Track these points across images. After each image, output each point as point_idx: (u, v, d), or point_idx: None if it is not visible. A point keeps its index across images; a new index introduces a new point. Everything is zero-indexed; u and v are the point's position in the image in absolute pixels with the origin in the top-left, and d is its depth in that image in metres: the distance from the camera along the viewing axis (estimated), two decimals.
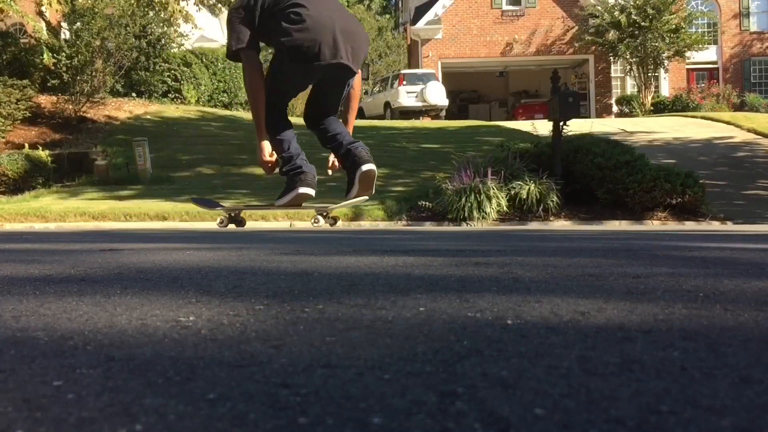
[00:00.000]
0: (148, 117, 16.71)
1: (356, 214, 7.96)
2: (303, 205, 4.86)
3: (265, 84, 4.41)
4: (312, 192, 4.61)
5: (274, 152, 4.57)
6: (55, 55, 15.43)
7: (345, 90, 4.61)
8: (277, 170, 4.68)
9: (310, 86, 4.67)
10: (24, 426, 0.58)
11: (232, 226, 5.41)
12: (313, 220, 5.18)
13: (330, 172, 4.99)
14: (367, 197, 4.71)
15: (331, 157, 4.90)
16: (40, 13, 16.42)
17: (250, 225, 7.47)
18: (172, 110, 17.56)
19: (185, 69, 19.01)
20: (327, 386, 0.70)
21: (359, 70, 4.54)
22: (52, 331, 1.00)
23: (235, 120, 17.45)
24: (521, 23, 27.76)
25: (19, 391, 0.69)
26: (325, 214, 5.16)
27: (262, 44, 4.61)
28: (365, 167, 4.46)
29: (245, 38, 4.33)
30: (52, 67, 15.13)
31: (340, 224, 7.55)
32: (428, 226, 7.61)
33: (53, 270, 1.80)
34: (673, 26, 24.19)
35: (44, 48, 15.08)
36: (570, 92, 9.72)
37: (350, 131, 4.80)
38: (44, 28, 15.99)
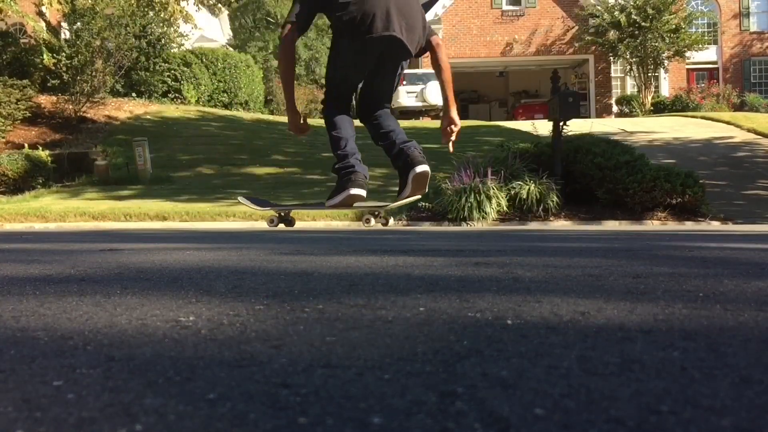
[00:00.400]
0: (148, 117, 16.71)
1: (356, 214, 7.96)
2: (355, 204, 4.76)
3: (329, 65, 4.46)
4: (363, 193, 4.51)
5: (305, 122, 4.60)
6: (55, 55, 15.44)
7: (398, 70, 4.51)
8: (306, 131, 4.66)
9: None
10: (24, 426, 0.58)
11: (281, 226, 5.42)
12: (364, 220, 5.18)
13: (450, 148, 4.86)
14: (419, 196, 4.68)
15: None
16: (40, 13, 16.42)
17: (251, 225, 7.48)
18: (172, 110, 17.56)
19: (185, 69, 19.01)
20: (327, 386, 0.70)
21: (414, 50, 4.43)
22: (52, 331, 1.00)
23: (235, 120, 17.45)
24: (521, 23, 27.76)
25: (19, 391, 0.69)
26: (377, 213, 5.15)
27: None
28: (419, 169, 4.41)
29: (300, 15, 4.30)
30: (52, 68, 15.14)
31: (340, 224, 7.55)
32: (428, 226, 7.61)
33: (53, 270, 1.80)
34: (673, 26, 24.19)
35: (44, 48, 15.09)
36: (570, 92, 9.72)
37: (453, 108, 4.73)
38: (44, 28, 15.99)
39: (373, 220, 5.03)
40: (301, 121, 4.55)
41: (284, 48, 4.39)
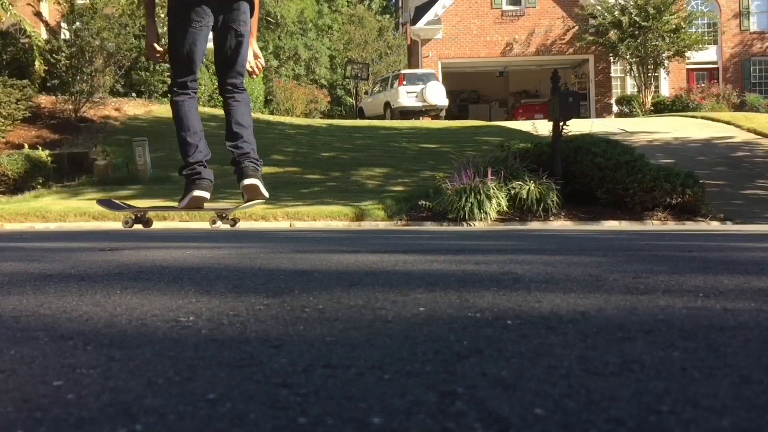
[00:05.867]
0: (148, 117, 16.71)
1: (356, 214, 7.97)
2: (205, 206, 5.13)
3: (170, 51, 4.65)
4: (206, 195, 4.98)
5: (162, 45, 4.80)
6: (54, 55, 15.43)
7: (240, 36, 4.57)
8: (161, 57, 4.83)
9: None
10: (24, 426, 0.58)
11: (138, 227, 5.45)
12: (211, 221, 5.37)
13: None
14: (261, 200, 4.94)
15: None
16: (38, 14, 16.41)
17: (250, 225, 7.48)
18: None
19: None
20: (327, 386, 0.70)
21: (246, 6, 4.55)
22: (52, 331, 1.00)
23: None
24: (521, 23, 27.76)
25: (19, 391, 0.69)
26: (224, 215, 5.41)
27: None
28: (246, 182, 4.79)
29: None
30: (43, 74, 15.18)
31: (340, 224, 7.56)
32: (428, 226, 7.61)
33: (53, 270, 1.79)
34: (674, 26, 24.19)
35: (37, 55, 15.09)
36: (570, 92, 9.72)
37: (253, 40, 4.83)
38: (41, 34, 15.98)
39: (219, 222, 5.25)
40: (159, 46, 4.75)
41: None
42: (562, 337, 0.94)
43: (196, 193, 4.84)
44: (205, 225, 6.90)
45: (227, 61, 4.66)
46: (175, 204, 5.49)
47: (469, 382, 0.71)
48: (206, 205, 5.07)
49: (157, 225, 6.10)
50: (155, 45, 4.73)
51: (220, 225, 5.27)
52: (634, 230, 5.72)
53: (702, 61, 27.58)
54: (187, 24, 4.48)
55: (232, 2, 4.46)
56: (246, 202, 4.91)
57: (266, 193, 4.82)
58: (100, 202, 6.13)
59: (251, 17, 4.67)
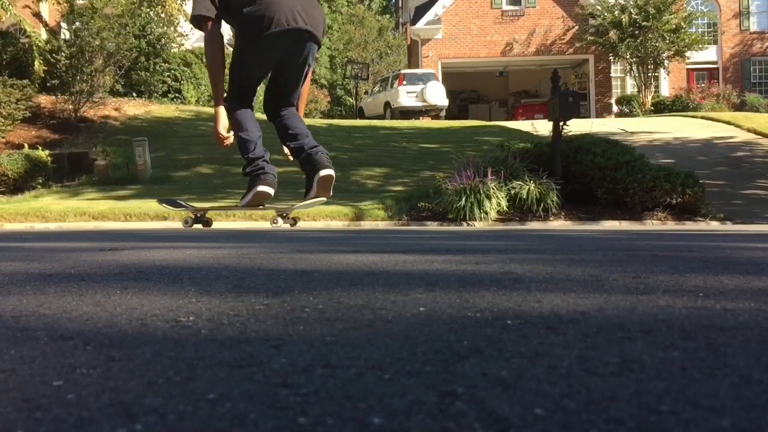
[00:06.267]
0: (148, 117, 16.71)
1: (356, 214, 7.97)
2: (266, 205, 5.03)
3: (231, 68, 4.63)
4: (271, 191, 4.84)
5: (230, 132, 4.76)
6: (54, 55, 15.43)
7: (304, 70, 4.66)
8: (228, 142, 4.82)
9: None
10: (24, 426, 0.58)
11: (198, 227, 5.44)
12: (272, 221, 5.28)
13: (290, 158, 5.09)
14: (324, 199, 4.89)
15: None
16: (38, 15, 16.41)
17: (250, 225, 7.48)
18: (171, 110, 17.56)
19: (185, 69, 19.01)
20: (327, 386, 0.70)
21: (316, 48, 4.61)
22: (52, 331, 1.00)
23: None
24: (521, 23, 27.76)
25: (19, 391, 0.69)
26: (285, 215, 5.31)
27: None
28: (323, 172, 4.69)
29: (210, 7, 4.53)
30: (42, 75, 15.17)
31: (340, 224, 7.56)
32: (428, 226, 7.61)
33: (53, 270, 1.79)
34: (674, 26, 24.19)
35: (36, 55, 15.10)
36: (570, 92, 9.72)
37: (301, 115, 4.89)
38: (41, 34, 15.98)
39: (281, 221, 5.15)
40: (226, 131, 4.70)
41: (214, 42, 4.53)
42: (562, 337, 0.94)
43: (260, 188, 4.71)
44: (265, 225, 6.89)
45: (284, 92, 4.73)
46: (237, 203, 5.38)
47: (469, 382, 0.71)
48: (266, 203, 4.94)
49: (216, 225, 6.10)
50: (223, 132, 4.67)
51: (281, 224, 5.19)
52: (634, 230, 5.71)
53: (702, 61, 27.59)
54: (262, 59, 4.54)
55: (305, 42, 4.49)
56: (308, 199, 4.76)
57: (331, 192, 4.77)
58: (162, 201, 6.02)
59: (311, 69, 4.75)
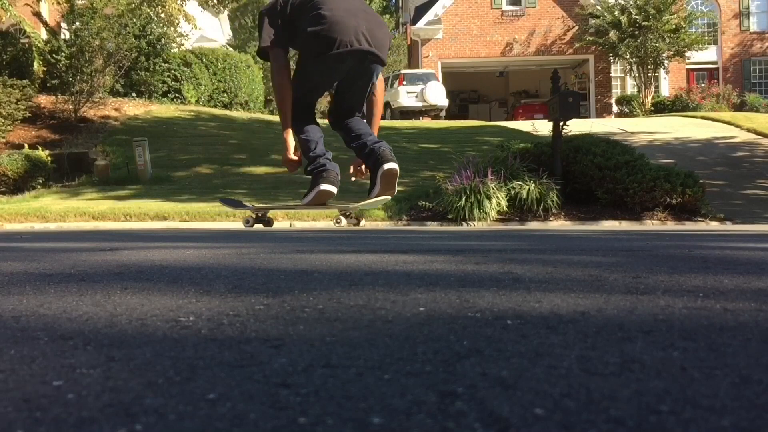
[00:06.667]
0: (148, 117, 16.71)
1: (356, 215, 7.96)
2: (328, 203, 4.92)
3: (291, 84, 4.60)
4: (334, 189, 4.73)
5: (299, 151, 4.73)
6: (54, 55, 15.42)
7: (368, 87, 4.71)
8: (299, 168, 4.81)
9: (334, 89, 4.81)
10: (24, 426, 0.58)
11: (258, 226, 5.43)
12: (335, 220, 5.23)
13: (353, 178, 5.07)
14: (389, 197, 4.81)
15: (353, 166, 4.99)
16: (38, 15, 16.40)
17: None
18: (171, 110, 17.55)
19: (185, 69, 19.00)
20: (327, 386, 0.70)
21: (380, 68, 4.63)
22: (52, 331, 1.00)
23: (234, 120, 17.45)
24: (521, 23, 27.75)
25: (19, 391, 0.69)
26: (347, 214, 5.22)
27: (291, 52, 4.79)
28: (387, 166, 4.59)
29: (273, 37, 4.57)
30: (42, 75, 15.17)
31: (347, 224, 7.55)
32: (428, 226, 7.61)
33: (53, 270, 1.79)
34: (674, 26, 24.19)
35: (36, 56, 15.09)
36: (570, 92, 9.72)
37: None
38: (41, 35, 15.96)
39: (344, 220, 5.08)
40: (296, 155, 4.69)
41: (277, 67, 4.56)
42: (562, 337, 0.94)
43: (323, 186, 4.64)
44: (329, 224, 6.87)
45: (349, 109, 4.75)
46: (298, 202, 5.29)
47: (469, 382, 0.71)
48: (329, 202, 4.88)
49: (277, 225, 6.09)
50: (292, 156, 4.67)
51: (344, 223, 5.15)
52: (633, 230, 5.71)
53: (702, 61, 27.58)
54: (324, 78, 4.57)
55: (369, 63, 4.52)
56: (371, 197, 4.71)
57: (395, 190, 4.72)
58: (224, 201, 6.01)
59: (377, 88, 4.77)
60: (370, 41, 4.39)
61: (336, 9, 4.35)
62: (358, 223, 5.36)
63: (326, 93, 5.12)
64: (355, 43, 4.33)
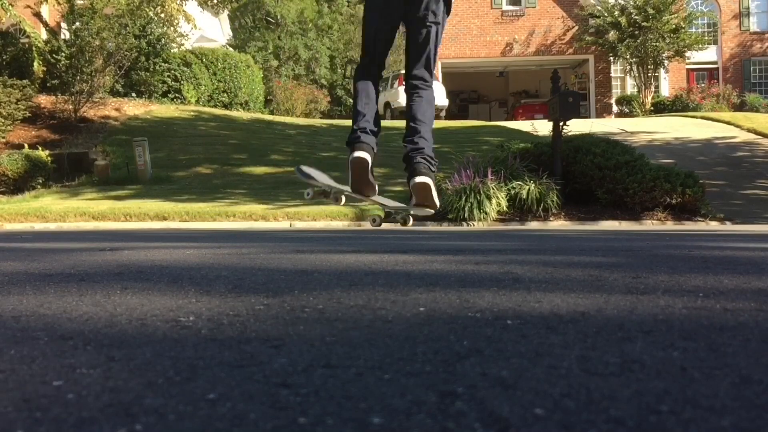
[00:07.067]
0: (148, 117, 16.70)
1: (356, 215, 7.96)
2: (369, 197, 4.78)
3: (363, 26, 4.52)
4: (365, 155, 4.39)
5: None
6: (54, 55, 15.42)
7: (428, 31, 4.36)
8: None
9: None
10: (24, 426, 0.58)
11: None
12: (372, 221, 5.19)
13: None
14: (431, 210, 4.61)
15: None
16: (38, 15, 16.40)
17: (250, 225, 7.47)
18: (171, 110, 17.55)
19: (185, 69, 19.00)
20: (327, 386, 0.70)
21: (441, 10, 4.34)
22: (52, 331, 1.00)
23: (234, 120, 17.44)
24: (521, 23, 27.75)
25: (19, 391, 0.69)
26: (392, 215, 5.20)
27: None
28: (418, 179, 4.47)
29: None
30: (42, 75, 15.17)
31: (340, 224, 7.56)
32: (428, 226, 7.61)
33: (53, 270, 1.79)
34: (673, 26, 24.19)
35: (36, 56, 15.09)
36: (570, 92, 9.72)
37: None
38: (41, 35, 15.96)
39: (378, 220, 5.02)
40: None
41: None
42: (562, 337, 0.94)
43: (356, 154, 4.41)
44: (265, 225, 6.86)
45: (415, 53, 4.48)
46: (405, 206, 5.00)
47: (469, 382, 0.71)
48: (371, 198, 4.71)
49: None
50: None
51: (380, 225, 5.09)
52: (633, 230, 5.71)
53: (702, 61, 27.57)
54: (373, 11, 4.36)
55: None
56: (414, 206, 4.54)
57: (437, 202, 4.44)
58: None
59: (445, 18, 4.53)
60: None
61: None
62: (405, 223, 5.33)
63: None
64: None
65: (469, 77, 30.61)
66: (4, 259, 2.23)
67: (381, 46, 4.52)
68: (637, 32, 24.30)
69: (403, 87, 4.42)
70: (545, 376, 0.73)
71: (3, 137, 14.09)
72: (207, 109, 18.61)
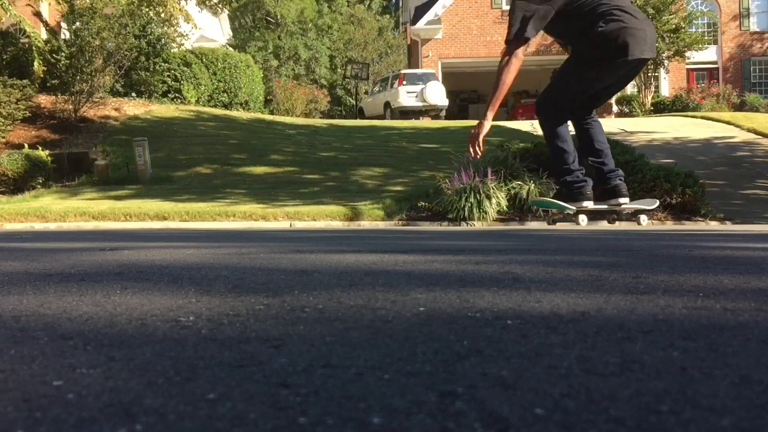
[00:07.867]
0: (148, 117, 16.70)
1: (356, 214, 7.96)
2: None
3: (557, 83, 4.69)
4: (592, 204, 4.94)
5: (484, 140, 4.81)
6: (54, 55, 15.42)
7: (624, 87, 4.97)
8: (480, 155, 4.78)
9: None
10: (24, 426, 0.58)
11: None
12: (577, 218, 5.59)
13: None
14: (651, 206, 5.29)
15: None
16: (38, 15, 16.40)
17: (250, 225, 7.47)
18: (171, 110, 17.55)
19: (185, 69, 19.00)
20: (327, 386, 0.70)
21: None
22: (52, 331, 1.00)
23: (234, 120, 17.45)
24: None
25: (19, 391, 0.69)
26: (614, 216, 5.70)
27: None
28: (621, 200, 4.98)
29: (535, 31, 4.59)
30: (42, 75, 15.17)
31: (339, 224, 7.56)
32: (428, 226, 7.61)
33: (53, 270, 1.79)
34: (673, 26, 24.19)
35: (36, 56, 15.09)
36: None
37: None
38: (41, 35, 15.96)
39: (584, 219, 5.50)
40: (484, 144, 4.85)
41: (516, 65, 4.62)
42: (562, 337, 0.94)
43: (585, 203, 4.87)
44: (264, 225, 6.86)
45: (599, 101, 4.87)
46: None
47: (469, 382, 0.71)
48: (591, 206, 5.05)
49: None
50: (481, 141, 4.79)
51: (587, 223, 5.48)
52: (633, 230, 5.71)
53: (702, 61, 27.57)
54: (601, 79, 4.66)
55: (644, 66, 4.65)
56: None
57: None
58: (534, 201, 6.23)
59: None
60: (653, 49, 4.47)
61: (633, 12, 4.34)
62: (612, 222, 5.90)
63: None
64: (647, 52, 4.36)
65: (469, 77, 30.60)
66: (4, 259, 2.23)
67: (582, 99, 4.83)
68: None
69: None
70: (545, 376, 0.73)
71: (3, 137, 14.09)
72: (207, 109, 18.61)
